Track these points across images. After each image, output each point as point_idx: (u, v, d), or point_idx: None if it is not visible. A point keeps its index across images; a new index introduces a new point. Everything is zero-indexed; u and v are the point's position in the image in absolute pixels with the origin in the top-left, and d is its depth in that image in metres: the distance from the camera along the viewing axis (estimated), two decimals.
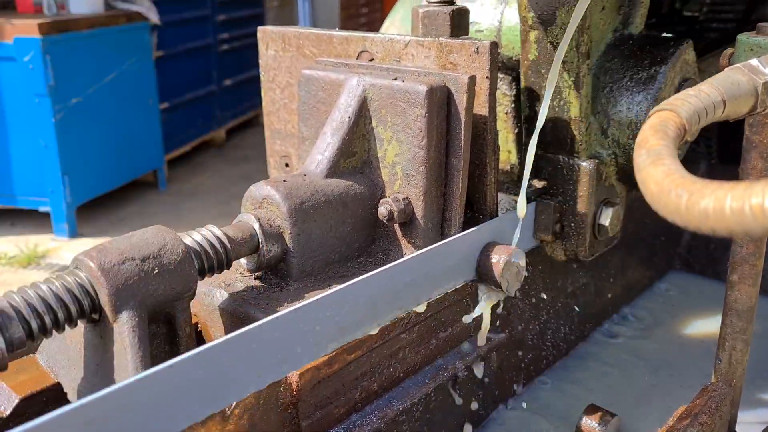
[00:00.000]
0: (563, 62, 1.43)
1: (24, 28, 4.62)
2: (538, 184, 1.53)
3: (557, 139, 1.49)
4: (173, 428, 0.96)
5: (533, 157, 1.37)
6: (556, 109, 1.48)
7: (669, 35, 1.56)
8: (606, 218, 1.49)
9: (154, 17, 5.59)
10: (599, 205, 1.50)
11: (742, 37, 1.11)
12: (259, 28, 1.66)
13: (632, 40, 1.52)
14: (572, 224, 1.49)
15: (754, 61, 0.97)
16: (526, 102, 1.55)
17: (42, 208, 4.96)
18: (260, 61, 1.67)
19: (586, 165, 1.45)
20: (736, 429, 1.35)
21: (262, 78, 1.69)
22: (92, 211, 5.32)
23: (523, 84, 1.53)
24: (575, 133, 1.46)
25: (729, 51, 1.16)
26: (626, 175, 1.53)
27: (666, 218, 0.66)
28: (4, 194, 4.98)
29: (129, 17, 5.40)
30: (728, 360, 1.26)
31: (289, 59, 1.61)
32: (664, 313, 2.05)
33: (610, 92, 1.47)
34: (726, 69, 0.97)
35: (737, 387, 1.27)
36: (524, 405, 1.64)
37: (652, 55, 1.47)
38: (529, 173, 1.35)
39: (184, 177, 6.18)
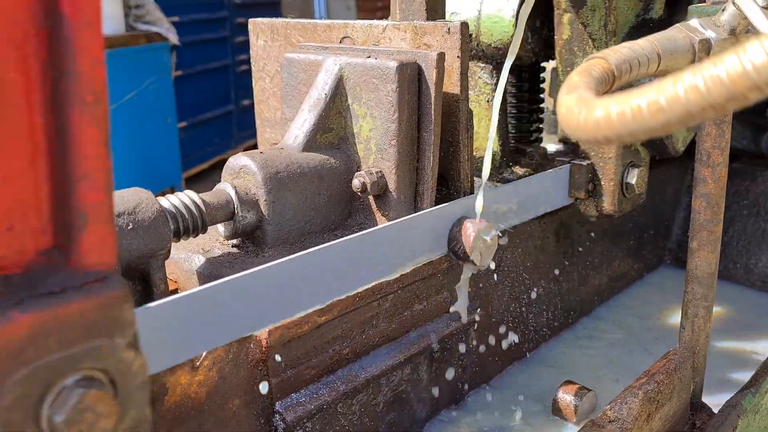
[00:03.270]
0: (593, 39, 1.63)
1: None
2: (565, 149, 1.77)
3: None
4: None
5: None
6: None
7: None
8: (633, 177, 1.69)
9: (173, 38, 5.72)
10: (626, 166, 1.69)
11: (692, 7, 1.15)
12: (250, 20, 1.73)
13: (652, 23, 1.69)
14: (602, 183, 1.67)
15: (694, 22, 1.02)
16: (562, 76, 1.72)
17: None
18: (251, 52, 1.74)
19: None
20: (704, 400, 1.37)
21: (252, 68, 1.76)
22: None
23: (558, 61, 1.72)
24: None
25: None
26: (649, 140, 1.69)
27: (573, 137, 0.70)
28: None
29: (149, 38, 5.53)
30: (691, 327, 1.29)
31: (278, 48, 1.68)
32: (650, 304, 2.07)
33: None
34: (668, 29, 1.02)
35: (701, 354, 1.30)
36: (502, 384, 1.67)
37: None
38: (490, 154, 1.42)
39: None
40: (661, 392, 1.19)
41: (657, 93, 0.59)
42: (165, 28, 5.71)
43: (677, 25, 1.01)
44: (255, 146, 6.93)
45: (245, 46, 7.05)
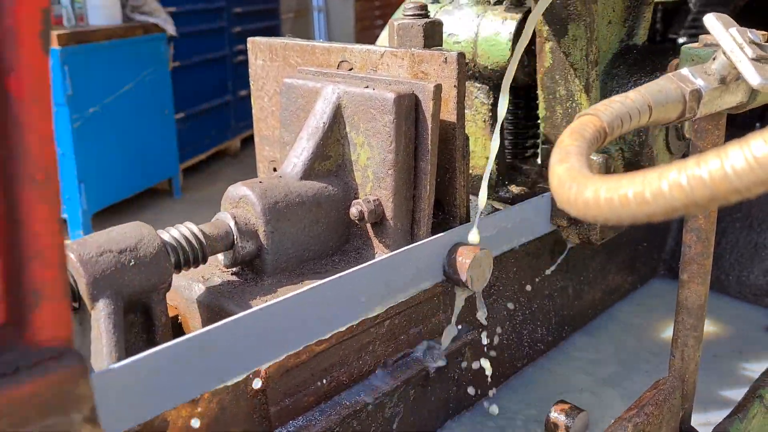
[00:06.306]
0: (574, 69, 1.60)
1: None
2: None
3: None
4: (146, 415, 1.03)
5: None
6: (569, 111, 1.64)
7: (669, 45, 1.70)
8: None
9: (170, 29, 5.71)
10: None
11: (685, 48, 1.17)
12: (249, 39, 1.74)
13: (636, 50, 1.68)
14: None
15: (684, 71, 1.04)
16: (543, 104, 1.69)
17: None
18: (250, 71, 1.76)
19: (596, 159, 1.62)
20: (693, 425, 1.40)
21: (252, 87, 1.77)
22: (108, 218, 5.43)
23: (540, 89, 1.68)
24: None
25: (675, 61, 1.22)
26: (632, 168, 1.69)
27: (564, 209, 0.73)
28: None
29: (146, 29, 5.52)
30: (681, 356, 1.32)
31: (276, 69, 1.69)
32: (644, 317, 2.10)
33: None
34: (658, 78, 1.04)
35: (690, 382, 1.33)
36: (496, 403, 1.70)
37: (653, 63, 1.61)
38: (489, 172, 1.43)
39: (199, 185, 6.29)
40: (651, 423, 1.22)
41: (643, 185, 0.61)
42: (162, 18, 5.70)
43: (669, 74, 1.03)
44: (252, 137, 6.91)
45: (242, 37, 7.04)
